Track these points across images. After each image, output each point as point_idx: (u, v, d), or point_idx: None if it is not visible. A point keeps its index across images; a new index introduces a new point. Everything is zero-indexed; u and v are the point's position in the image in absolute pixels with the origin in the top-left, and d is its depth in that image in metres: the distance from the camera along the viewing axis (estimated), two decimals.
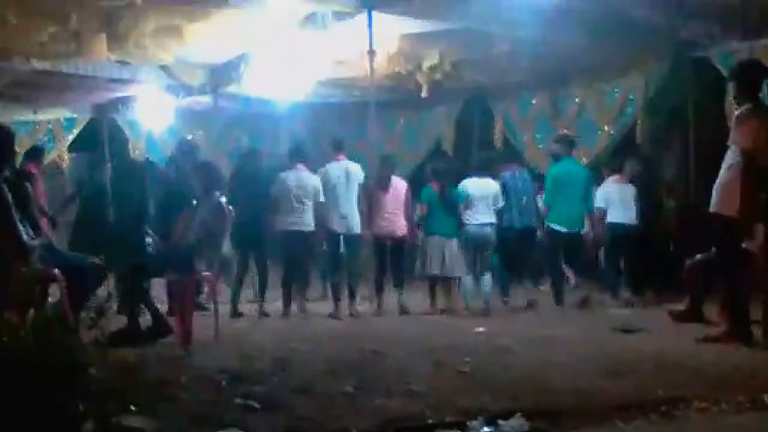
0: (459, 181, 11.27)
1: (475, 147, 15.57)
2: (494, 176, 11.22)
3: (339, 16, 10.25)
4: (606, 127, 13.33)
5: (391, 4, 9.94)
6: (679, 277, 9.32)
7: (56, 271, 6.58)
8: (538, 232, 11.77)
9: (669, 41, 11.67)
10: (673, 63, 12.11)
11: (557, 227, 11.13)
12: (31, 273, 6.14)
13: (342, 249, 10.75)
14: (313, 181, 10.55)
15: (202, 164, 9.48)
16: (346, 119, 16.47)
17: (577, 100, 13.92)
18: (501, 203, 10.96)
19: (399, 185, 11.08)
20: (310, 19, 10.52)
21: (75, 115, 16.51)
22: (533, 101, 14.69)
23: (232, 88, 13.99)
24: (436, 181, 10.99)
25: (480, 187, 10.95)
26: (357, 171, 10.81)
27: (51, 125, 16.49)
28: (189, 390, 5.51)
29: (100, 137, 16.14)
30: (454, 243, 10.90)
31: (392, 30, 11.01)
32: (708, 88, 11.84)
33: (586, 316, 10.23)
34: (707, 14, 10.72)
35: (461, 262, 10.93)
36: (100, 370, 4.30)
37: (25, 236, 6.37)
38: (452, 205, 10.90)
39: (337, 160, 10.84)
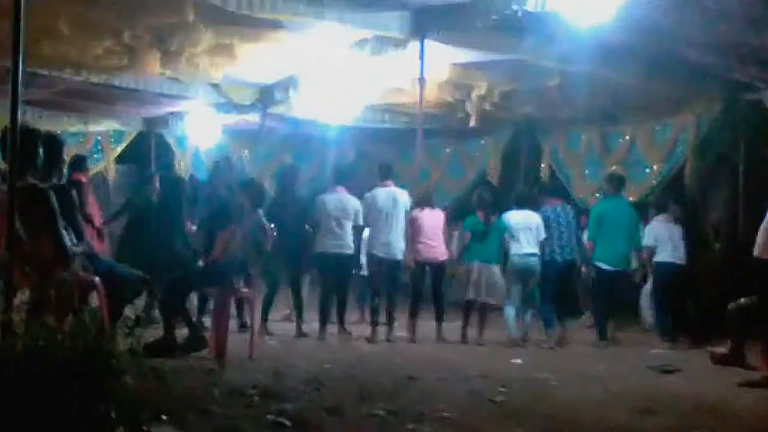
0: (503, 212, 11.24)
1: (522, 179, 15.51)
2: (536, 210, 11.18)
3: (391, 43, 10.27)
4: (655, 166, 13.23)
5: (444, 34, 9.93)
6: (722, 319, 9.18)
7: (96, 278, 6.63)
8: (582, 268, 11.65)
9: (722, 82, 11.53)
10: (725, 104, 11.96)
11: (602, 265, 11.04)
12: (71, 279, 6.18)
13: (384, 274, 10.70)
14: (353, 203, 10.55)
15: (246, 182, 9.52)
16: (393, 145, 16.55)
17: (627, 137, 13.81)
18: (543, 235, 10.89)
19: (436, 211, 11.10)
20: (361, 44, 10.56)
21: (123, 128, 16.71)
22: (582, 136, 14.61)
23: (280, 109, 14.10)
24: (482, 210, 10.95)
25: (523, 219, 10.92)
26: (404, 198, 10.76)
27: (99, 137, 16.68)
28: (220, 404, 5.53)
29: (147, 151, 16.34)
30: (494, 270, 10.84)
31: (443, 58, 11.00)
32: (761, 131, 11.70)
33: (626, 354, 10.10)
34: (763, 57, 10.59)
35: (499, 290, 10.84)
36: (133, 378, 4.31)
37: (68, 242, 6.42)
38: (496, 234, 10.85)
39: (385, 186, 10.82)
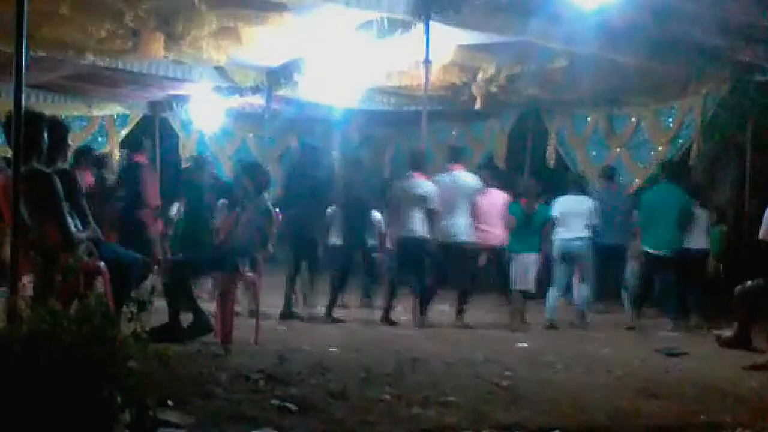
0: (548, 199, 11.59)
1: (528, 161, 15.52)
2: (590, 192, 11.57)
3: (397, 25, 10.21)
4: (660, 148, 13.20)
5: (449, 15, 9.87)
6: (728, 302, 9.19)
7: (101, 263, 6.63)
8: (628, 251, 11.77)
9: (729, 64, 11.48)
10: (732, 86, 11.92)
11: (649, 250, 11.18)
12: (76, 264, 6.17)
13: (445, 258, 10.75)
14: (425, 188, 10.47)
15: (250, 165, 9.50)
16: (398, 127, 16.55)
17: (633, 119, 13.80)
18: (596, 219, 11.10)
19: (496, 196, 11.16)
20: (366, 26, 10.51)
21: (128, 112, 16.70)
22: (588, 118, 14.59)
23: (285, 92, 14.05)
24: (525, 198, 11.17)
25: (573, 205, 11.15)
26: (470, 181, 10.79)
27: (104, 120, 16.68)
28: (226, 388, 5.53)
29: (152, 135, 16.34)
30: (531, 258, 11.07)
31: (449, 40, 10.97)
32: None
33: (633, 338, 10.12)
34: None
35: (533, 276, 11.09)
36: (139, 363, 4.31)
37: (72, 228, 6.42)
38: (536, 223, 11.10)
39: (452, 170, 10.84)
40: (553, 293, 11.11)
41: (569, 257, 11.10)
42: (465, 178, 10.80)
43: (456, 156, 11.05)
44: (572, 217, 11.04)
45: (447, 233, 10.51)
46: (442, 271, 10.76)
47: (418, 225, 10.35)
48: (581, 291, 11.20)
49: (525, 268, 11.03)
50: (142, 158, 11.11)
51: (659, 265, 11.11)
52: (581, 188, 11.50)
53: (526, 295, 11.18)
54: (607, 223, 11.23)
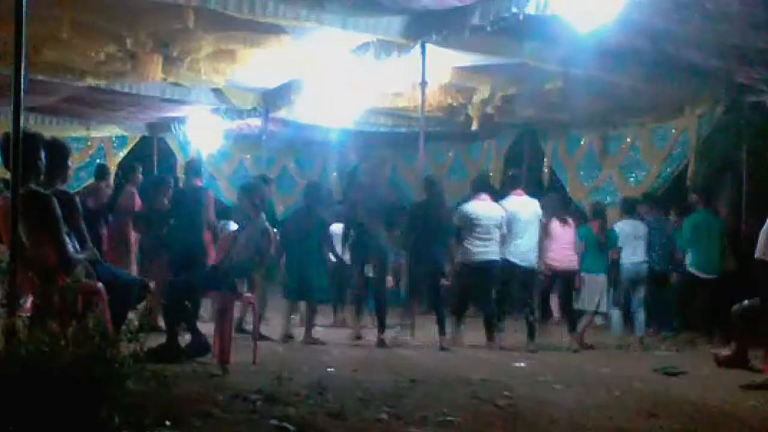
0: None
1: (524, 182, 15.54)
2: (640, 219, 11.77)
3: (393, 47, 10.25)
4: (654, 167, 13.27)
5: (446, 38, 9.91)
6: (726, 321, 9.21)
7: (99, 284, 6.62)
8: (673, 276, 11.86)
9: (724, 85, 11.53)
10: (728, 107, 11.97)
11: (697, 272, 11.34)
12: (74, 285, 6.17)
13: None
14: (498, 212, 10.51)
15: (249, 185, 9.52)
16: (395, 148, 16.60)
17: (628, 139, 13.86)
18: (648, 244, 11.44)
19: (569, 221, 11.26)
20: (363, 49, 10.56)
21: (126, 134, 16.76)
22: (582, 138, 14.66)
23: (282, 113, 14.10)
24: (596, 221, 11.27)
25: (633, 228, 11.42)
26: (535, 206, 10.82)
27: (102, 142, 16.74)
28: (223, 409, 5.52)
29: (150, 156, 16.39)
30: (599, 279, 11.08)
31: (445, 62, 11.01)
32: (763, 133, 11.70)
33: (631, 357, 10.12)
34: (765, 59, 10.57)
35: (603, 298, 11.10)
36: (137, 384, 4.32)
37: (70, 249, 6.42)
38: (604, 245, 11.16)
39: (516, 195, 10.87)
40: (617, 314, 11.32)
41: (634, 280, 11.33)
42: (529, 202, 10.86)
43: (518, 182, 11.23)
44: (634, 241, 11.31)
45: (521, 256, 10.55)
46: (510, 294, 10.92)
47: (494, 247, 10.38)
48: (639, 316, 11.30)
49: (594, 289, 11.08)
50: (199, 182, 11.08)
51: (704, 287, 11.27)
52: (635, 212, 11.69)
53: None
54: (654, 249, 11.56)
